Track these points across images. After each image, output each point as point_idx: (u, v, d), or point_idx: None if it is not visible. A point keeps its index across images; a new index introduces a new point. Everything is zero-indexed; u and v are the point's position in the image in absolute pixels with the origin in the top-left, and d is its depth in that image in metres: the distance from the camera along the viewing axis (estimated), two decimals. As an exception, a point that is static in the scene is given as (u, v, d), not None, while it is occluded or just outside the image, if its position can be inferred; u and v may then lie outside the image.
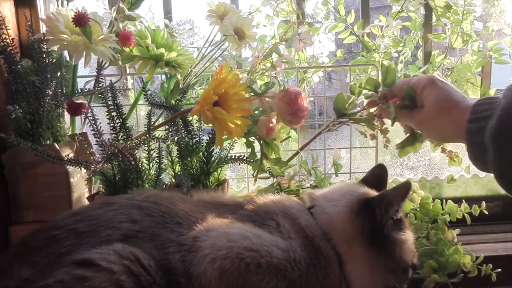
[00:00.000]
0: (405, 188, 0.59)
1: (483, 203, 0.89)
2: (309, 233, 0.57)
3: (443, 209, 0.88)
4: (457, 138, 0.63)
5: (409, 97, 0.69)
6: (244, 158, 0.84)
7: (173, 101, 0.85)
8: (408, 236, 0.62)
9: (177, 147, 0.81)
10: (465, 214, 0.88)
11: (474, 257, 0.84)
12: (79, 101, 0.75)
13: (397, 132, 1.11)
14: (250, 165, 0.84)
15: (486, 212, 0.89)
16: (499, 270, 0.83)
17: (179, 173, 0.82)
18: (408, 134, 0.76)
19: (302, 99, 0.75)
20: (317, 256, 0.56)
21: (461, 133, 0.59)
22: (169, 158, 0.83)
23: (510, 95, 0.54)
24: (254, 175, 0.83)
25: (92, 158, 0.74)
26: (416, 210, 0.89)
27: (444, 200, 0.90)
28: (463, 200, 0.90)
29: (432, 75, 0.68)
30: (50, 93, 0.79)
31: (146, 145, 0.79)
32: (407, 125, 0.75)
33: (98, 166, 0.69)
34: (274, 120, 0.77)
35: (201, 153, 0.82)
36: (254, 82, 0.81)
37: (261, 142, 0.80)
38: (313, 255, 0.56)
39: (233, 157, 0.85)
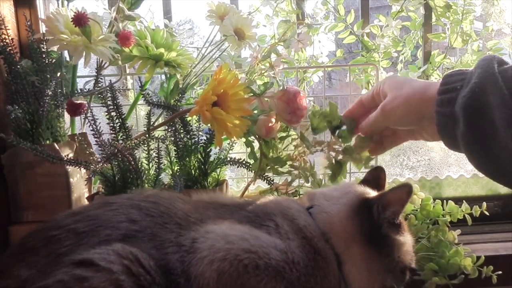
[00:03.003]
0: (405, 191, 0.59)
1: (484, 204, 0.89)
2: (308, 233, 0.57)
3: (443, 210, 0.88)
4: (422, 111, 0.59)
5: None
6: (243, 161, 0.84)
7: (172, 101, 0.85)
8: (407, 238, 0.62)
9: (175, 147, 0.81)
10: (466, 215, 0.88)
11: (475, 259, 0.84)
12: (79, 101, 0.75)
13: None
14: (249, 170, 0.84)
15: (487, 213, 0.89)
16: (500, 272, 0.83)
17: (176, 173, 0.82)
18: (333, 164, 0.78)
19: (301, 98, 0.75)
20: (316, 257, 0.56)
21: (428, 105, 0.57)
22: (168, 158, 0.83)
23: (484, 64, 0.52)
24: (253, 175, 0.83)
25: (91, 158, 0.74)
26: (416, 211, 0.89)
27: (444, 200, 0.90)
28: (464, 201, 0.90)
29: (389, 75, 0.66)
30: (50, 93, 0.79)
31: (145, 145, 0.79)
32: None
33: (97, 166, 0.69)
34: (273, 120, 0.77)
35: (198, 154, 0.82)
36: (254, 82, 0.81)
37: (261, 141, 0.80)
38: (312, 256, 0.56)
39: (232, 159, 0.85)
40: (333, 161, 0.77)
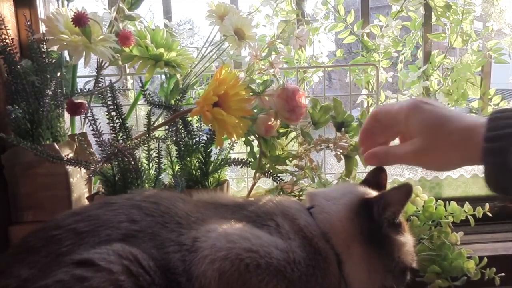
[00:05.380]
0: (405, 192, 0.58)
1: (487, 205, 0.89)
2: (308, 233, 0.57)
3: (446, 211, 0.88)
4: (466, 162, 0.52)
5: None
6: (244, 160, 0.84)
7: (172, 101, 0.85)
8: (408, 239, 0.62)
9: (176, 147, 0.81)
10: (469, 216, 0.87)
11: (478, 260, 0.84)
12: (79, 101, 0.75)
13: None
14: (252, 168, 0.84)
15: (490, 214, 0.88)
16: (503, 274, 0.83)
17: (177, 173, 0.82)
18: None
19: (299, 96, 0.75)
20: (316, 257, 0.56)
21: (473, 156, 0.49)
22: (169, 158, 0.83)
23: None
24: (254, 174, 0.83)
25: (91, 158, 0.74)
26: (419, 212, 0.88)
27: (444, 200, 0.89)
28: (466, 201, 0.90)
29: (415, 100, 0.56)
30: (50, 93, 0.79)
31: (145, 145, 0.79)
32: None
33: (97, 166, 0.69)
34: (272, 118, 0.77)
35: (199, 154, 0.82)
36: (254, 82, 0.81)
37: (260, 140, 0.80)
38: (312, 256, 0.56)
39: (233, 159, 0.85)
40: (342, 157, 0.79)
